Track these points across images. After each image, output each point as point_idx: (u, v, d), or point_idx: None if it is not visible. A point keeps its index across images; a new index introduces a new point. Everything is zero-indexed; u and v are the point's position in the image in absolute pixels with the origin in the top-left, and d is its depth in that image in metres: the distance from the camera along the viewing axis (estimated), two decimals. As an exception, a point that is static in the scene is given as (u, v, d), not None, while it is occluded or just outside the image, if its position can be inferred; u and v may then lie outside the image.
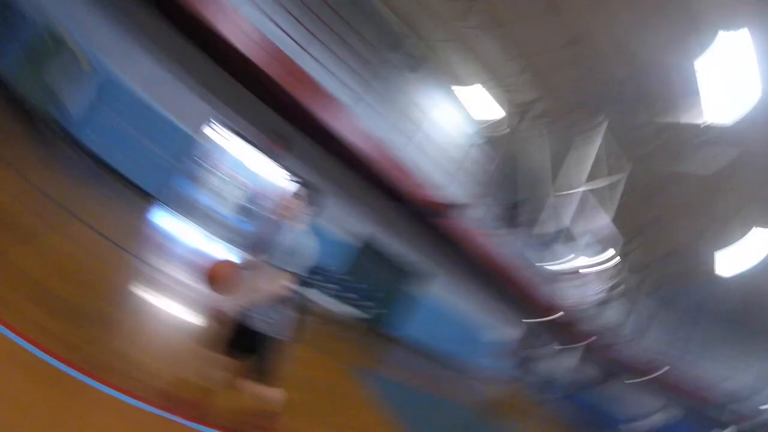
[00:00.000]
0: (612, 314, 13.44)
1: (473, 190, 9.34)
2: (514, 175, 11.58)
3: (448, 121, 9.97)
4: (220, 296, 2.37)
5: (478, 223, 9.04)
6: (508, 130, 10.18)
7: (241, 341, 2.35)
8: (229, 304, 2.30)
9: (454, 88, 9.69)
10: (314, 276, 8.69)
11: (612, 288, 12.81)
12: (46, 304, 2.63)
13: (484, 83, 9.03)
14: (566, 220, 9.73)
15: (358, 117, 7.15)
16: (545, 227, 9.94)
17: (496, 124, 10.08)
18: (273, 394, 2.51)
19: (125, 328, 3.10)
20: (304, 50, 6.85)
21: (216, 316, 2.36)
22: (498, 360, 11.66)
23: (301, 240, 2.37)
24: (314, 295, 8.55)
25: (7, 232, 3.13)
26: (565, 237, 10.16)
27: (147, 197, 6.78)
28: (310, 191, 2.54)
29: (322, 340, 6.15)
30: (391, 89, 8.68)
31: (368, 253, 9.36)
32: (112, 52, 6.47)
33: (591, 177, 9.54)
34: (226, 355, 2.38)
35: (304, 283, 2.23)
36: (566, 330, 11.99)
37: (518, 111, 9.98)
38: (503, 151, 10.40)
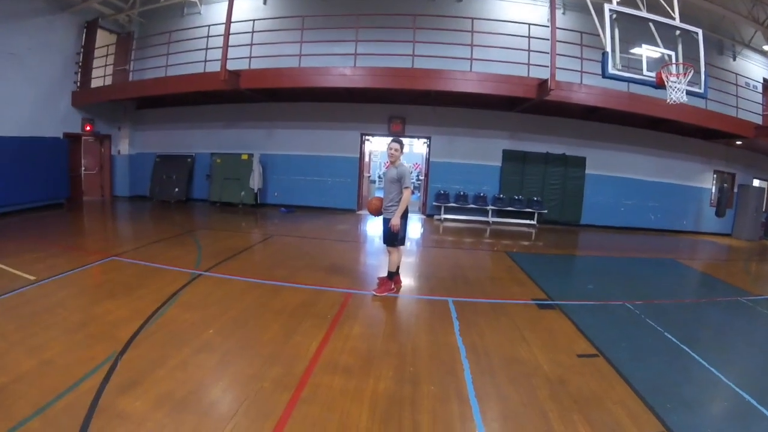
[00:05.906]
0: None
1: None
2: None
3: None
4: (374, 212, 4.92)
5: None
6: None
7: (384, 232, 4.71)
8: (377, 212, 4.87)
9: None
10: (479, 203, 11.15)
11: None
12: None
13: None
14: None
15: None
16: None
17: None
18: (394, 259, 4.77)
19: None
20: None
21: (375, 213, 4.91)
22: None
23: (405, 168, 4.53)
24: (488, 215, 11.35)
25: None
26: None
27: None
28: (397, 141, 4.56)
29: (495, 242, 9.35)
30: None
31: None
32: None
33: None
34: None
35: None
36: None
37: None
38: None
